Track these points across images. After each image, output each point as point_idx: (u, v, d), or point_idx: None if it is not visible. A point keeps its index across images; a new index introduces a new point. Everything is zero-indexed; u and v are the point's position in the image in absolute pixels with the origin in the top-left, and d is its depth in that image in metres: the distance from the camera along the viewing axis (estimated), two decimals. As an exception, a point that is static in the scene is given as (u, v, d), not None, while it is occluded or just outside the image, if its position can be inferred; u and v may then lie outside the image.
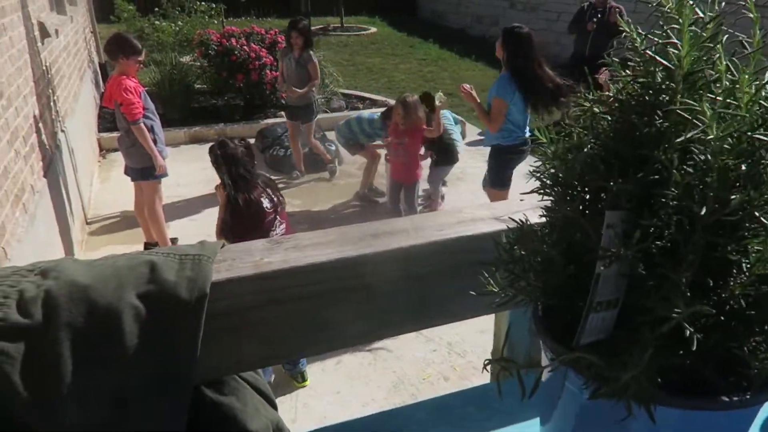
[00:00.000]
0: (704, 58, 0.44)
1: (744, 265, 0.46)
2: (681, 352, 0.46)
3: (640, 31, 0.50)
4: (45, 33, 4.56)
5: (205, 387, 0.74)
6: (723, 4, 0.50)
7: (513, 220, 0.82)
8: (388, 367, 3.32)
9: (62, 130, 4.70)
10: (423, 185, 5.09)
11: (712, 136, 0.39)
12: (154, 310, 0.63)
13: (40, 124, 3.86)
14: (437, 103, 4.59)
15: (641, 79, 0.47)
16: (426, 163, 5.04)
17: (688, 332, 0.42)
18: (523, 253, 0.57)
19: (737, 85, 0.42)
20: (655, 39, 0.49)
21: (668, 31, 0.46)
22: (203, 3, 8.65)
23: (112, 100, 4.07)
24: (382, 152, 5.33)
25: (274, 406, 0.83)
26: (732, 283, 0.46)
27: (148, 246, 4.53)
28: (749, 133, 0.41)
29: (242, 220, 2.99)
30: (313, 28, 6.01)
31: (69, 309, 0.61)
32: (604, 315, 0.51)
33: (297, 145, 6.02)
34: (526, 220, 0.58)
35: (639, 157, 0.46)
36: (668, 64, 0.44)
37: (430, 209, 5.12)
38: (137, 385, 0.64)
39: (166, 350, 0.64)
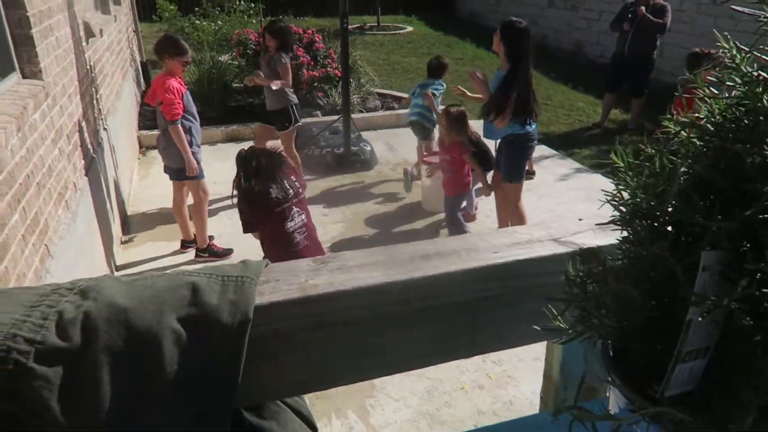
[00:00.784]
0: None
1: None
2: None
3: (740, 45, 0.44)
4: (90, 33, 4.65)
5: (245, 410, 0.71)
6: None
7: (575, 244, 0.77)
8: (422, 372, 3.27)
9: (104, 128, 4.78)
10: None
11: None
12: (195, 335, 0.60)
13: (83, 123, 3.94)
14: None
15: (745, 103, 0.41)
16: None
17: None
18: (596, 289, 0.51)
19: None
20: (763, 57, 0.43)
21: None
22: (242, 2, 8.73)
23: (155, 98, 4.13)
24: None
25: (315, 429, 0.79)
26: None
27: (185, 243, 4.58)
28: None
29: (253, 211, 3.04)
30: (349, 27, 5.94)
31: (108, 332, 0.58)
32: (693, 365, 0.45)
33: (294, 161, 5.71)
34: (601, 255, 0.53)
35: (743, 191, 0.41)
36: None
37: (467, 219, 5.03)
38: (176, 412, 0.61)
39: (206, 377, 0.61)
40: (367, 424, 2.94)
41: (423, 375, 3.25)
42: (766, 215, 0.39)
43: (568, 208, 5.21)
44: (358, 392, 3.11)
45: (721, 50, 0.48)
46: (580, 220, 0.84)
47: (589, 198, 4.51)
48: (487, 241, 0.77)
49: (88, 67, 4.48)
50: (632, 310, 0.48)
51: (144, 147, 6.70)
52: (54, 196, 2.99)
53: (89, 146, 4.03)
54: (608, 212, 0.57)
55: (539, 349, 1.15)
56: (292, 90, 5.28)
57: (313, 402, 2.94)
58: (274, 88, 5.08)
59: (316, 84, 7.63)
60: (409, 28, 15.13)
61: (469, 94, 4.61)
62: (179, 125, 4.06)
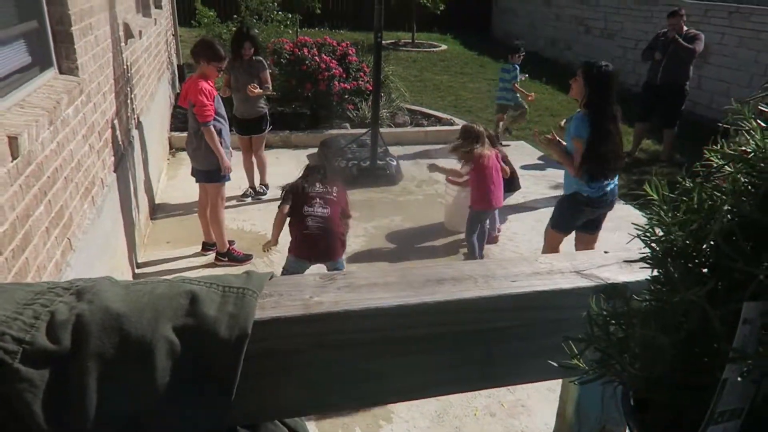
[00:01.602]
0: None
1: None
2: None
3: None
4: (129, 34, 4.74)
5: (240, 428, 0.67)
6: None
7: (599, 279, 0.72)
8: (432, 394, 3.20)
9: (136, 127, 4.85)
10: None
11: None
12: (189, 347, 0.58)
13: (116, 121, 3.99)
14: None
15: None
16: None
17: None
18: (620, 331, 0.47)
19: None
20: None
21: None
22: (280, 13, 8.85)
23: (187, 100, 4.18)
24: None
25: (312, 453, 0.76)
26: None
27: (206, 246, 4.60)
28: None
29: (291, 190, 3.69)
30: (384, 42, 5.96)
31: (100, 338, 0.56)
32: (726, 426, 0.41)
33: (250, 162, 5.73)
34: (627, 293, 0.48)
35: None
36: None
37: (490, 240, 4.95)
38: (167, 425, 0.58)
39: (199, 392, 0.58)
40: (374, 444, 2.88)
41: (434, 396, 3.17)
42: (820, 266, 0.35)
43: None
44: (367, 409, 3.06)
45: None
46: (606, 252, 0.79)
47: (618, 228, 4.40)
48: (506, 269, 0.73)
49: (125, 66, 4.55)
50: (659, 359, 0.44)
51: (174, 148, 6.79)
52: (81, 190, 3.02)
53: (120, 144, 4.09)
54: (637, 246, 0.53)
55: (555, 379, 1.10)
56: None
57: (320, 417, 2.90)
58: (263, 103, 5.50)
59: (347, 96, 7.67)
60: (444, 47, 15.17)
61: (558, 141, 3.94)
62: (212, 126, 4.10)
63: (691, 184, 0.43)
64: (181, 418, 0.58)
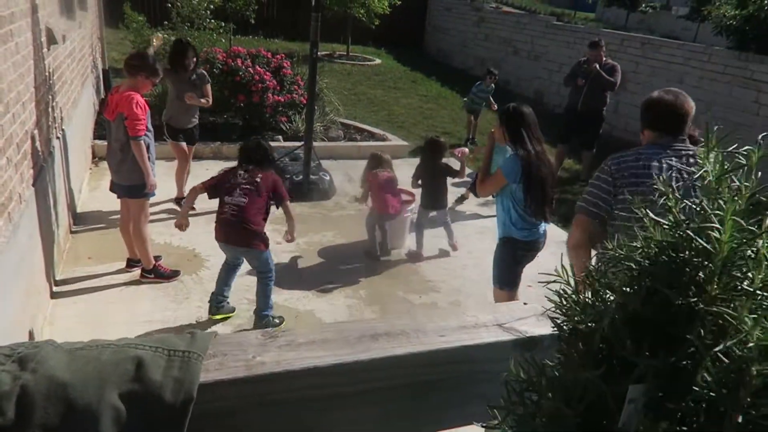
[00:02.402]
0: (745, 242, 0.42)
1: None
2: None
3: (677, 194, 0.48)
4: (52, 39, 4.53)
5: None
6: (759, 174, 0.49)
7: (519, 332, 0.80)
8: None
9: (57, 137, 4.64)
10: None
11: (752, 344, 0.37)
12: (135, 413, 0.60)
13: (36, 132, 3.81)
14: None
15: (676, 253, 0.45)
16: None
17: None
18: (533, 399, 0.54)
19: (780, 283, 0.39)
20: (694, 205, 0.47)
21: (707, 206, 0.44)
22: (213, 21, 8.70)
23: (116, 113, 4.03)
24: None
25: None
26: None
27: (130, 262, 4.45)
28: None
29: (219, 175, 4.02)
30: (319, 53, 5.99)
31: (45, 408, 0.57)
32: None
33: (183, 171, 5.67)
34: (540, 363, 0.55)
35: (670, 333, 0.44)
36: (708, 247, 0.42)
37: (412, 259, 5.18)
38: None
39: (144, 456, 0.61)
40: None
41: None
42: (688, 361, 0.43)
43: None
44: None
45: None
46: (525, 304, 0.87)
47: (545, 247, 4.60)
48: (435, 322, 0.79)
49: (47, 73, 4.36)
50: (563, 427, 0.51)
51: (97, 157, 6.53)
52: (-4, 207, 2.87)
53: (40, 155, 3.90)
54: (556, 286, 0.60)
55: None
56: None
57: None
58: (205, 104, 5.57)
59: (280, 109, 7.63)
60: (378, 61, 15.37)
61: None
62: (142, 141, 3.99)
63: (590, 279, 0.50)
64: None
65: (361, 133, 8.52)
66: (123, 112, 3.98)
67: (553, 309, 0.55)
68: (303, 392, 0.68)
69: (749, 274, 0.42)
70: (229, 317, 4.00)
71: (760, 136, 0.51)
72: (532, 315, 0.83)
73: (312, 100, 6.23)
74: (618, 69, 7.29)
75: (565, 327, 0.53)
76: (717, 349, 0.38)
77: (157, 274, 4.34)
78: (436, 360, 0.73)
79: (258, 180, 3.81)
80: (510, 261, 3.56)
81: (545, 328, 0.79)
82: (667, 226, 0.47)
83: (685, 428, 0.43)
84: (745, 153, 0.46)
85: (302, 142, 6.42)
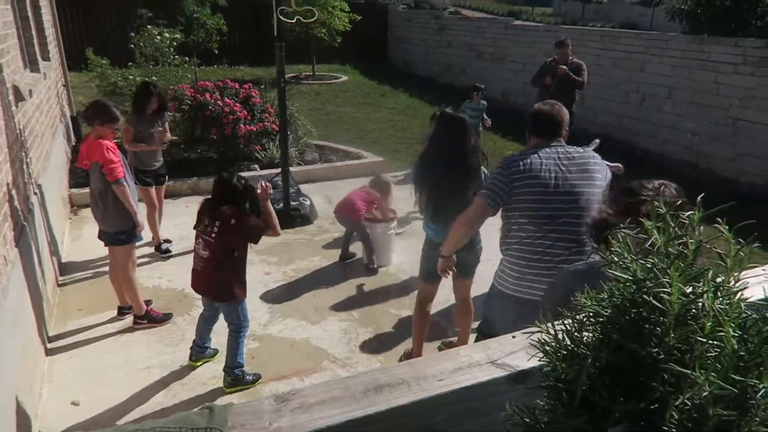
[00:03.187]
0: (693, 297, 0.49)
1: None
2: None
3: (633, 255, 0.54)
4: (19, 96, 4.54)
5: None
6: (702, 227, 0.56)
7: (511, 367, 0.86)
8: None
9: (35, 193, 4.63)
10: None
11: (705, 393, 0.43)
12: None
13: (14, 191, 3.81)
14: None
15: (637, 310, 0.51)
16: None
17: None
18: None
19: (722, 332, 0.46)
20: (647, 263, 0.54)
21: (656, 270, 0.50)
22: (177, 57, 8.73)
23: (90, 162, 4.06)
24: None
25: None
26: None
27: (122, 310, 4.45)
28: (737, 377, 0.45)
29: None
30: (286, 76, 6.04)
31: None
32: None
33: (154, 215, 5.53)
34: (533, 410, 0.61)
35: (641, 380, 0.51)
36: (662, 307, 0.48)
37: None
38: None
39: None
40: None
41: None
42: (656, 405, 0.49)
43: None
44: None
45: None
46: (513, 337, 0.93)
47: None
48: (433, 367, 0.85)
49: (18, 131, 4.36)
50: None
51: (75, 206, 6.50)
52: (-17, 274, 2.87)
53: (20, 215, 3.90)
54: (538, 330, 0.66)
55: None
56: None
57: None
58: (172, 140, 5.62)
59: (253, 138, 7.67)
60: (344, 77, 15.49)
61: None
62: (124, 183, 4.01)
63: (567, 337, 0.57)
64: None
65: (336, 153, 8.59)
66: (97, 161, 4.00)
67: (539, 359, 0.62)
68: (319, 452, 0.73)
69: (700, 324, 0.49)
70: (209, 362, 3.94)
71: (698, 198, 0.58)
72: (521, 348, 0.90)
73: (284, 127, 6.28)
74: (584, 67, 7.46)
75: (550, 377, 0.59)
76: (677, 402, 0.44)
77: (149, 318, 4.34)
78: (436, 403, 0.79)
79: (217, 229, 3.41)
80: (425, 257, 3.75)
81: (534, 361, 0.86)
82: (628, 283, 0.54)
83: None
84: (686, 219, 0.52)
85: (279, 169, 6.47)
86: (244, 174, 7.26)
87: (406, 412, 0.78)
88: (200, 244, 3.53)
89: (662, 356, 0.50)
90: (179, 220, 6.20)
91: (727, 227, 0.59)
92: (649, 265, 0.52)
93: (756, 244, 0.70)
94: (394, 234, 5.46)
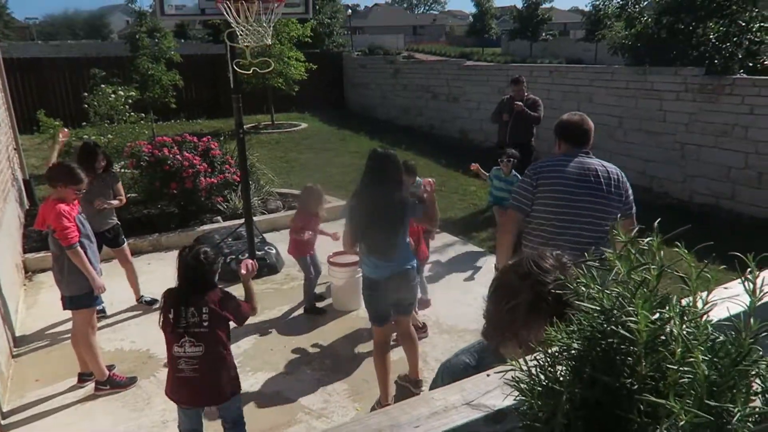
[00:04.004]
0: (659, 324, 0.48)
1: None
2: None
3: (599, 287, 0.54)
4: (-33, 163, 4.41)
5: None
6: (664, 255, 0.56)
7: (487, 407, 0.84)
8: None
9: (-15, 261, 4.46)
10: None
11: (682, 423, 0.42)
12: None
13: (-38, 261, 3.66)
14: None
15: (606, 341, 0.51)
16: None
17: None
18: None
19: (692, 358, 0.46)
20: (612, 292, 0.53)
21: (621, 300, 0.50)
22: (132, 114, 8.67)
23: (46, 224, 3.95)
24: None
25: None
26: None
27: (82, 377, 4.25)
28: (712, 403, 0.44)
29: (162, 319, 3.02)
30: (245, 126, 6.03)
31: None
32: None
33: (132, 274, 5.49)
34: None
35: (617, 415, 0.49)
36: (630, 336, 0.48)
37: (420, 305, 5.16)
38: None
39: None
40: None
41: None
42: (635, 438, 0.48)
43: (474, 296, 5.42)
44: None
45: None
46: (488, 375, 0.91)
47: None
48: (408, 413, 0.82)
49: (-34, 198, 4.22)
50: None
51: (30, 271, 6.27)
52: (-70, 351, 2.71)
53: (-31, 285, 3.73)
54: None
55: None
56: None
57: None
58: (118, 205, 5.35)
59: (214, 190, 7.60)
60: (304, 125, 15.62)
61: None
62: (78, 247, 3.89)
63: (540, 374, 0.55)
64: None
65: (299, 200, 8.55)
66: (50, 224, 3.90)
67: (514, 397, 0.60)
68: None
69: (671, 350, 0.49)
70: None
71: (655, 223, 0.59)
72: (496, 387, 0.88)
73: (246, 177, 6.25)
74: (539, 102, 7.72)
75: (526, 417, 0.57)
76: (654, 434, 0.43)
77: (112, 384, 4.16)
78: (415, 454, 0.76)
79: (207, 314, 2.94)
80: (367, 299, 3.76)
81: (510, 399, 0.84)
82: (596, 314, 0.53)
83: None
84: (646, 246, 0.52)
85: (242, 220, 6.40)
86: (207, 227, 7.19)
87: (384, 466, 0.74)
88: (186, 343, 2.92)
89: (636, 386, 0.49)
90: (140, 278, 6.02)
91: (686, 250, 0.60)
92: (614, 295, 0.51)
93: (722, 266, 0.71)
94: (358, 277, 5.40)
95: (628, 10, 10.43)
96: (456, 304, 5.33)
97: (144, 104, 11.03)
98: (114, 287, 5.47)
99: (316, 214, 5.36)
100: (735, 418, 0.45)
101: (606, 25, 14.79)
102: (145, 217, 7.49)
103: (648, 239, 0.55)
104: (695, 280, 0.56)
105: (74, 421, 3.85)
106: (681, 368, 0.47)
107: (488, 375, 0.94)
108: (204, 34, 33.30)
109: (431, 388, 1.75)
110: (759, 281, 0.62)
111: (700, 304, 0.59)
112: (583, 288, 0.56)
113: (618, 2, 11.50)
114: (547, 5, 41.85)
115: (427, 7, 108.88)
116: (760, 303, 0.58)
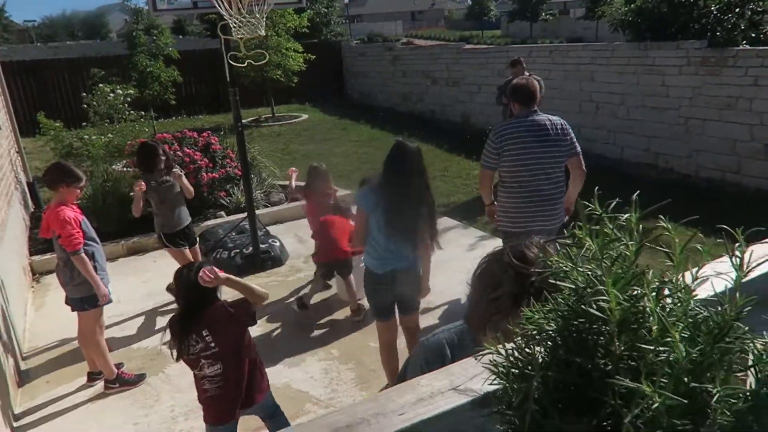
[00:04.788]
0: (632, 302, 0.46)
1: None
2: None
3: (574, 265, 0.52)
4: (-33, 168, 4.42)
5: None
6: (641, 227, 0.54)
7: (474, 391, 0.82)
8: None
9: (-10, 265, 4.48)
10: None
11: (656, 405, 0.40)
12: None
13: (-34, 266, 3.67)
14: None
15: (578, 321, 0.48)
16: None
17: None
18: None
19: (669, 336, 0.44)
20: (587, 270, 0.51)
21: (594, 278, 0.48)
22: (132, 112, 8.66)
23: (50, 231, 3.94)
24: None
25: None
26: None
27: (92, 375, 4.28)
28: (690, 383, 0.42)
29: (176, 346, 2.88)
30: (244, 120, 6.00)
31: None
32: None
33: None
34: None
35: (591, 397, 0.47)
36: (602, 316, 0.45)
37: None
38: None
39: None
40: None
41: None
42: (610, 421, 0.46)
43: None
44: None
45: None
46: (476, 359, 0.90)
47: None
48: (395, 401, 0.81)
49: (-32, 203, 4.22)
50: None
51: (37, 273, 6.30)
52: (-64, 356, 2.73)
53: (-26, 289, 3.75)
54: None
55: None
56: None
57: None
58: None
59: (216, 185, 7.59)
60: (304, 116, 15.56)
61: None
62: (82, 254, 3.88)
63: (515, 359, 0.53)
64: None
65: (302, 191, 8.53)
66: (55, 230, 3.89)
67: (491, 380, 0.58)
68: None
69: (647, 328, 0.46)
70: None
71: (634, 196, 0.56)
72: (483, 371, 0.86)
73: (246, 171, 6.23)
74: (540, 83, 7.63)
75: (502, 401, 0.55)
76: (626, 420, 0.41)
77: (121, 382, 4.18)
78: (398, 442, 0.75)
79: (208, 335, 2.83)
80: (369, 293, 3.66)
81: (496, 383, 0.82)
82: (569, 293, 0.51)
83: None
84: (624, 222, 0.50)
85: (245, 214, 6.40)
86: (210, 222, 7.18)
87: (369, 456, 0.73)
88: (204, 366, 2.86)
89: (610, 367, 0.46)
90: (146, 276, 6.06)
91: (669, 225, 0.57)
92: (588, 273, 0.49)
93: (719, 240, 0.68)
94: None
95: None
96: (461, 287, 5.31)
97: (144, 102, 11.01)
98: (121, 285, 5.50)
99: (326, 194, 5.35)
100: (714, 399, 0.43)
101: (606, 2, 14.60)
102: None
103: (627, 215, 0.52)
104: (680, 255, 0.54)
105: (86, 420, 3.88)
106: (657, 347, 0.45)
107: (477, 359, 0.92)
108: (202, 30, 33.17)
109: (407, 364, 1.76)
110: (747, 256, 0.59)
111: (689, 280, 0.56)
112: (558, 266, 0.53)
113: (617, -23, 11.32)
114: (546, -16, 41.38)
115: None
116: (746, 278, 0.55)
